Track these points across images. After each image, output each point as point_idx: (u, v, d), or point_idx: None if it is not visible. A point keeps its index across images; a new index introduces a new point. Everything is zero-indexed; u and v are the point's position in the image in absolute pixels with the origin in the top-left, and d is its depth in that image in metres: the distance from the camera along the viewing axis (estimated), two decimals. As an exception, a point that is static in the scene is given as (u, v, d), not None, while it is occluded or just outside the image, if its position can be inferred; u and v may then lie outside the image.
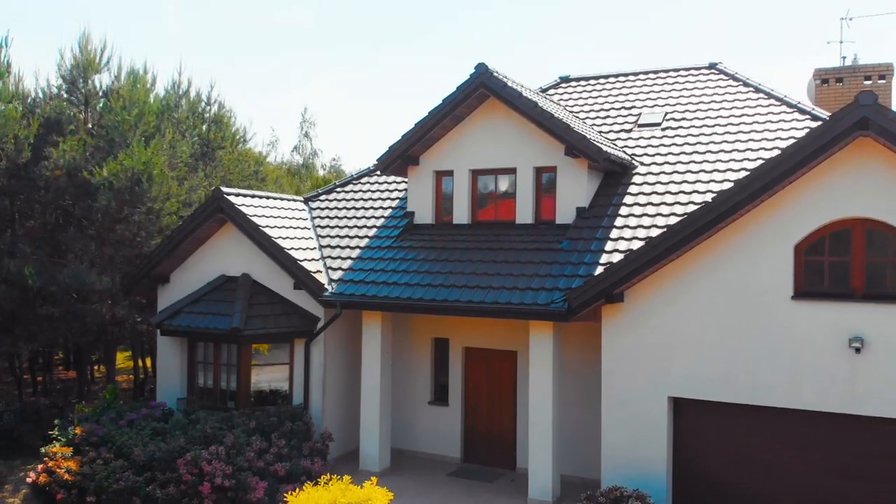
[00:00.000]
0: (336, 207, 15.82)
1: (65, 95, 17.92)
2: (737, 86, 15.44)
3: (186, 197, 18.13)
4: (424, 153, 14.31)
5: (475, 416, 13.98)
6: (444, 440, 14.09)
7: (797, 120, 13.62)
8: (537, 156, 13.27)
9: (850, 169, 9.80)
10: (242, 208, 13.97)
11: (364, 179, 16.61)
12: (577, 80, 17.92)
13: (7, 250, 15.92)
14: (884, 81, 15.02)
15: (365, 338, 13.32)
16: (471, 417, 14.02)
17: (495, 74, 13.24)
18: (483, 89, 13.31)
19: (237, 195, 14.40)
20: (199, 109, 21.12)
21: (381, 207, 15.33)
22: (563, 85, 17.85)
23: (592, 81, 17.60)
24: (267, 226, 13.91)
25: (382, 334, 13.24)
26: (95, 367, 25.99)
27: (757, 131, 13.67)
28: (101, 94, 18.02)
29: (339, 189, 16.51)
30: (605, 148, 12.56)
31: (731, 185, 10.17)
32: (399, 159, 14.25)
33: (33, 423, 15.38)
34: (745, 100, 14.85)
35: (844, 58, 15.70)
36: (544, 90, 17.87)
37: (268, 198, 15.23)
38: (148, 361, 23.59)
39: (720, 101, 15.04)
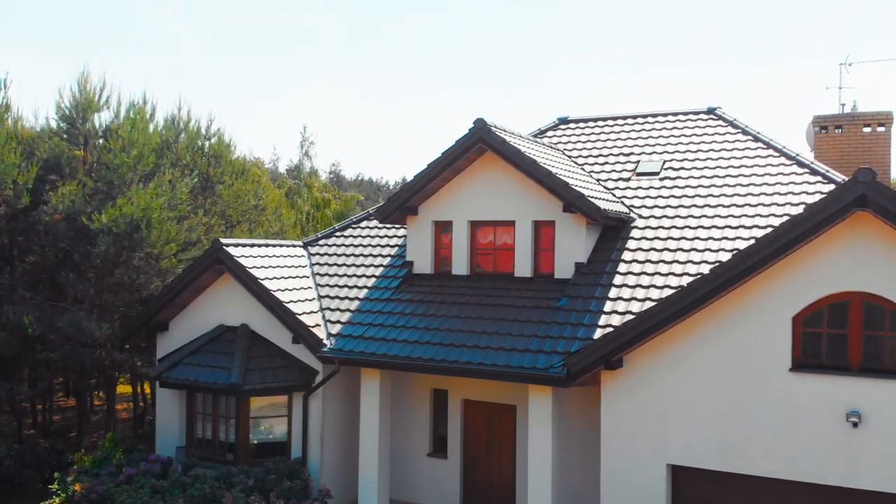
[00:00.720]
0: (335, 254, 15.83)
1: (64, 136, 17.92)
2: (735, 133, 15.45)
3: (186, 236, 18.14)
4: (423, 203, 14.33)
5: (474, 468, 13.98)
6: (442, 492, 14.08)
7: (796, 174, 13.62)
8: (536, 210, 13.28)
9: (849, 243, 9.81)
10: (241, 259, 13.98)
11: (364, 224, 16.62)
12: (576, 121, 17.93)
13: (6, 296, 15.93)
14: (883, 129, 15.02)
15: (363, 392, 13.32)
16: (470, 470, 14.02)
17: (494, 130, 13.26)
18: (482, 144, 13.34)
19: (236, 245, 14.40)
20: (199, 144, 21.12)
21: (381, 255, 15.33)
22: (562, 126, 17.87)
23: (591, 124, 17.62)
24: (266, 277, 13.92)
25: (381, 389, 13.24)
26: (95, 393, 26.03)
27: (755, 184, 13.67)
28: (100, 133, 18.04)
29: (338, 234, 16.52)
30: (603, 206, 12.56)
31: (730, 256, 10.19)
32: (398, 210, 14.28)
33: (33, 468, 15.44)
34: (743, 149, 14.86)
35: (844, 105, 15.71)
36: (542, 131, 17.89)
37: (266, 245, 15.24)
38: (147, 386, 23.60)
39: (718, 150, 15.05)
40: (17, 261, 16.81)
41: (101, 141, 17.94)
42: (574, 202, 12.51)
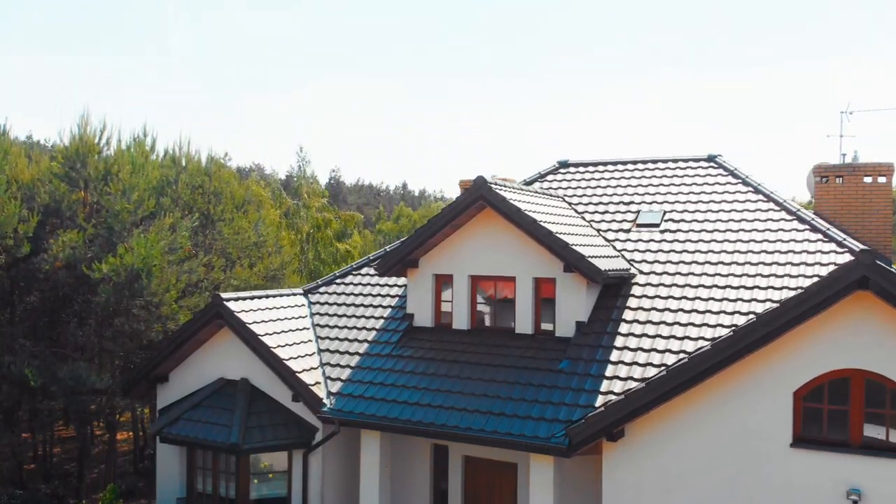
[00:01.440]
0: (336, 303, 15.80)
1: (64, 180, 17.92)
2: (736, 184, 15.44)
3: (187, 278, 18.14)
4: (424, 256, 14.32)
5: (475, 524, 13.94)
6: (443, 548, 14.05)
7: (797, 230, 13.62)
8: (536, 267, 13.26)
9: (851, 321, 9.80)
10: (241, 315, 13.97)
11: (364, 271, 16.61)
12: (576, 165, 17.93)
13: (7, 345, 15.93)
14: (884, 180, 15.01)
15: (363, 451, 13.30)
16: (470, 526, 13.98)
17: (493, 187, 13.25)
18: (482, 201, 13.33)
19: (236, 299, 14.39)
20: (199, 181, 21.12)
21: (381, 306, 15.31)
22: (562, 171, 17.86)
23: (591, 168, 17.61)
24: (266, 333, 13.90)
25: (381, 448, 13.23)
26: (96, 424, 26.02)
27: (756, 241, 13.66)
28: (100, 176, 18.04)
29: (338, 281, 16.50)
30: (603, 266, 12.55)
31: (731, 331, 10.17)
32: (399, 263, 14.28)
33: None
34: (744, 201, 14.86)
35: (844, 155, 15.70)
36: (542, 175, 17.90)
37: (266, 296, 15.22)
38: (147, 410, 23.55)
39: (719, 202, 15.04)
40: (17, 308, 16.80)
41: (101, 185, 17.93)
42: (575, 263, 12.50)
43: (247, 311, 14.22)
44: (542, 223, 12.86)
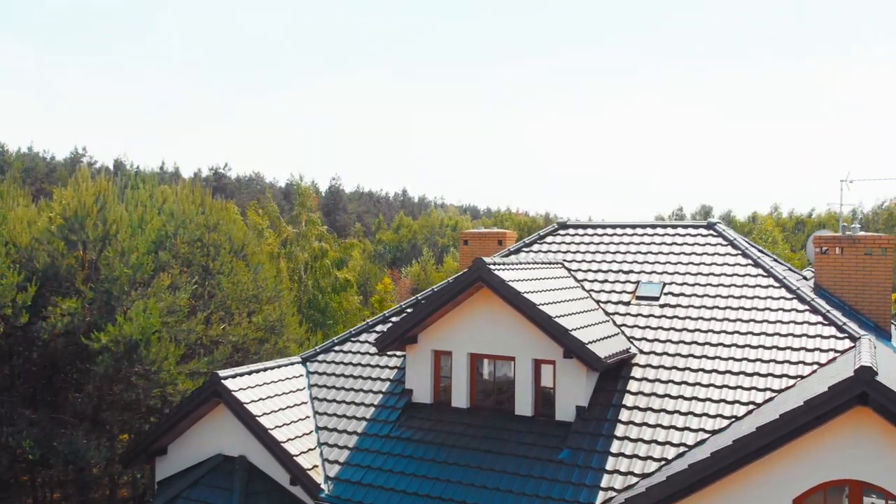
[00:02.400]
0: (334, 373, 15.74)
1: (62, 244, 17.86)
2: (735, 255, 15.42)
3: (185, 337, 18.10)
4: (423, 332, 14.29)
5: None
6: None
7: (797, 311, 13.59)
8: (536, 348, 13.23)
9: (850, 433, 9.76)
10: (238, 394, 13.92)
11: (363, 337, 16.56)
12: (575, 227, 17.92)
13: (6, 416, 15.88)
14: (884, 255, 14.98)
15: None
16: None
17: (492, 268, 13.22)
18: (481, 283, 13.30)
19: (234, 376, 14.35)
20: (198, 235, 21.07)
21: (380, 379, 15.25)
22: (561, 232, 17.84)
23: (590, 231, 17.59)
24: (263, 413, 13.85)
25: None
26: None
27: (756, 321, 13.64)
28: (99, 238, 17.99)
29: (336, 348, 16.45)
30: (603, 353, 12.52)
31: (731, 441, 10.13)
32: (397, 340, 14.25)
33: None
34: (744, 275, 14.83)
35: (845, 226, 15.66)
36: (542, 237, 17.89)
37: (265, 370, 15.18)
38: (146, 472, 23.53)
39: (718, 275, 15.01)
40: (16, 376, 16.75)
41: (100, 244, 17.90)
42: (575, 350, 12.46)
43: (244, 389, 14.18)
44: (541, 306, 12.83)
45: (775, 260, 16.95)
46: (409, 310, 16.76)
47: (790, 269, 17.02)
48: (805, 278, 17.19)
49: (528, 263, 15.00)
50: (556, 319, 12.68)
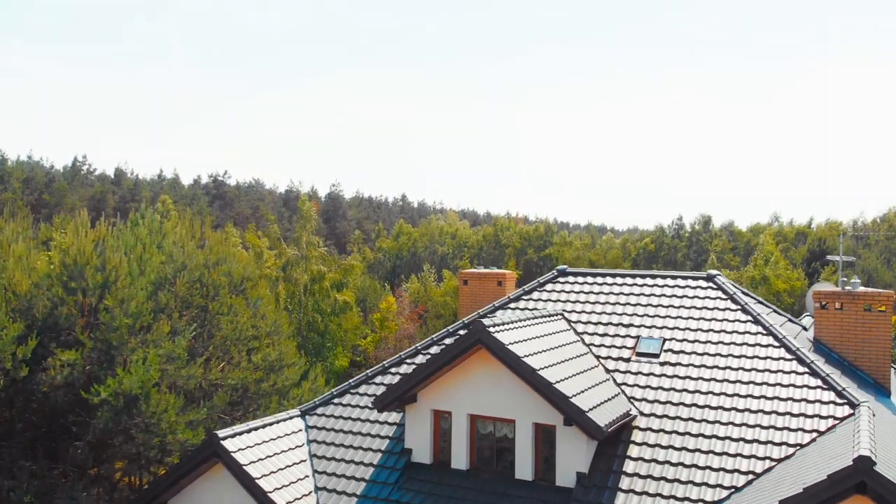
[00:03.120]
0: (333, 429, 15.70)
1: (62, 290, 17.86)
2: (736, 310, 15.41)
3: (184, 383, 18.09)
4: (423, 390, 14.28)
5: None
6: None
7: (796, 373, 13.60)
8: (536, 412, 13.22)
9: (850, 520, 9.76)
10: (237, 455, 13.88)
11: (362, 389, 16.54)
12: (574, 274, 17.93)
13: (6, 468, 15.86)
14: (884, 312, 14.99)
15: None
16: None
17: (491, 331, 13.22)
18: (481, 346, 13.30)
19: (233, 436, 14.32)
20: (197, 276, 21.06)
21: (379, 436, 15.22)
22: (561, 280, 17.85)
23: (590, 279, 17.60)
24: (262, 475, 13.82)
25: None
26: None
27: (755, 383, 13.66)
28: (98, 286, 17.98)
29: (335, 401, 16.43)
30: (603, 421, 12.50)
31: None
32: (396, 400, 14.25)
33: None
34: (743, 332, 14.83)
35: (844, 280, 15.66)
36: (542, 284, 17.89)
37: (264, 426, 15.16)
38: None
39: (718, 332, 15.01)
40: (16, 429, 16.73)
41: (100, 291, 17.89)
42: (575, 418, 12.45)
43: (243, 449, 14.14)
44: (541, 371, 12.83)
45: (775, 310, 16.97)
46: (407, 360, 16.78)
47: (790, 320, 17.06)
48: (804, 328, 17.21)
49: (529, 319, 14.99)
50: (557, 385, 12.67)
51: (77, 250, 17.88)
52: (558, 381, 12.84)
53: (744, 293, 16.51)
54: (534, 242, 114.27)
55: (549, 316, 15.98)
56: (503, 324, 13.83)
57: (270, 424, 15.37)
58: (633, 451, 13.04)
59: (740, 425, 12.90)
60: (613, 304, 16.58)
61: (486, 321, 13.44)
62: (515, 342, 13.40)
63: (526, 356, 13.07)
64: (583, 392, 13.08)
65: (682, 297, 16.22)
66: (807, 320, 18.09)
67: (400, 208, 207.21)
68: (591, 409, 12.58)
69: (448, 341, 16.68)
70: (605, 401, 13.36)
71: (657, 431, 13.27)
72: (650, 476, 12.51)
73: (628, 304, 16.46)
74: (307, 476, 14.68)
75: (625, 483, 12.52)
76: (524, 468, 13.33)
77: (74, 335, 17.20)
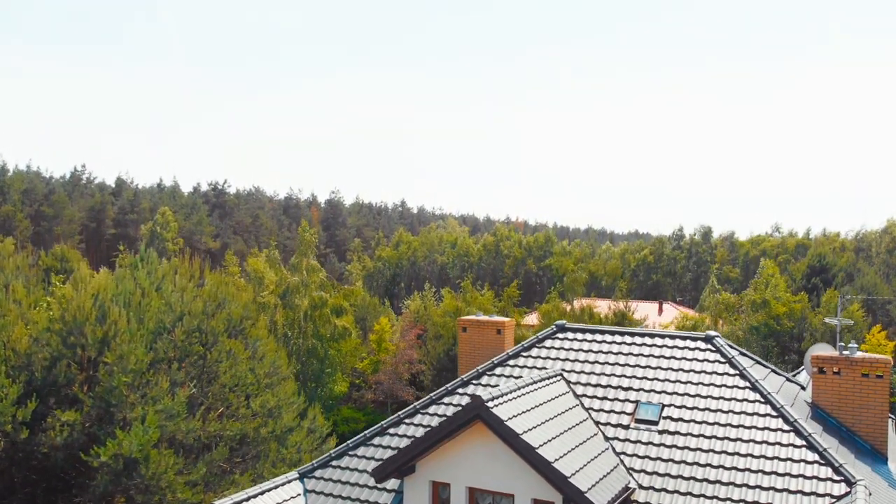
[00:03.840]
0: (332, 494, 15.73)
1: (61, 345, 17.88)
2: (734, 376, 15.43)
3: (183, 439, 18.10)
4: (422, 461, 14.30)
5: None
6: None
7: (794, 446, 13.61)
8: (535, 488, 13.21)
9: None
10: (237, 528, 13.93)
11: (360, 451, 16.55)
12: (573, 330, 17.95)
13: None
14: (881, 378, 15.01)
15: None
16: None
17: (490, 406, 13.23)
18: (480, 421, 13.32)
19: (232, 505, 14.36)
20: (196, 324, 21.08)
21: (377, 503, 15.25)
22: (560, 336, 17.88)
23: (589, 336, 17.62)
24: (263, 547, 13.86)
25: None
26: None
27: (754, 455, 13.67)
28: (97, 342, 18.01)
29: (334, 464, 16.43)
30: (602, 500, 12.52)
31: None
32: (395, 471, 14.27)
33: None
34: (742, 400, 14.84)
35: (842, 345, 15.69)
36: (541, 340, 17.92)
37: (262, 492, 15.18)
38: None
39: (717, 399, 15.03)
40: (15, 486, 16.76)
41: (100, 346, 17.92)
42: (574, 498, 12.47)
43: (242, 521, 14.18)
44: (539, 449, 12.83)
45: (773, 370, 17.00)
46: (406, 420, 16.80)
47: (788, 379, 17.09)
48: (802, 387, 17.24)
49: (528, 385, 14.99)
50: (555, 465, 12.69)
51: (77, 306, 17.90)
52: (557, 459, 12.85)
53: (741, 353, 16.53)
54: (534, 252, 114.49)
55: (549, 378, 16.00)
56: (502, 395, 13.84)
57: (269, 490, 15.39)
58: (632, 526, 13.06)
59: (738, 502, 12.92)
60: (613, 364, 16.60)
61: (484, 394, 13.43)
62: (514, 416, 13.40)
63: (525, 432, 13.08)
64: (582, 468, 13.09)
65: (680, 358, 16.24)
66: (803, 376, 18.13)
67: (399, 214, 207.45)
68: (590, 489, 12.60)
69: (447, 402, 16.73)
70: (605, 476, 13.38)
71: (656, 506, 13.30)
72: (649, 555, 12.53)
73: (627, 364, 16.48)
74: (306, 545, 14.69)
75: (623, 562, 12.54)
76: (523, 542, 13.34)
77: (73, 392, 17.21)
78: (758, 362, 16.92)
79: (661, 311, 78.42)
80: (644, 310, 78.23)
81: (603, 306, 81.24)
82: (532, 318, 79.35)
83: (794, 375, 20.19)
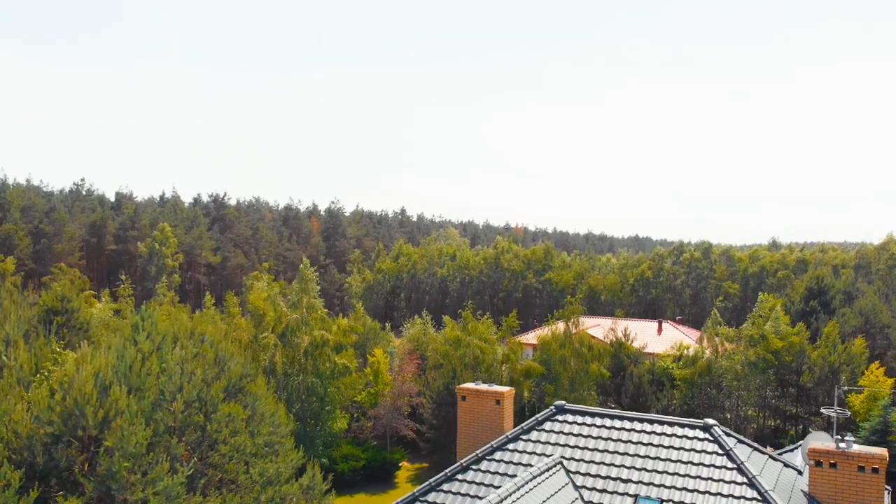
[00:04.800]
0: (333, 586, 15.86)
1: (62, 427, 17.94)
2: (732, 470, 15.51)
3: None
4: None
5: None
6: None
7: (791, 552, 13.71)
8: None
9: None
10: None
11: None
12: (573, 412, 18.04)
13: None
14: (877, 474, 15.10)
15: None
16: None
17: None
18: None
19: None
20: (195, 395, 21.15)
21: None
22: (559, 417, 17.96)
23: (588, 419, 17.70)
24: None
25: None
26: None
27: (751, 561, 13.77)
28: (98, 424, 18.07)
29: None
30: None
31: None
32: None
33: None
34: (739, 497, 14.93)
35: (839, 437, 15.79)
36: (540, 422, 18.00)
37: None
38: None
39: (714, 494, 15.11)
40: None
41: (101, 427, 17.99)
42: None
43: None
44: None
45: (771, 457, 17.09)
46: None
47: (786, 465, 17.18)
48: (799, 472, 17.34)
49: (529, 482, 15.05)
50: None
51: (78, 391, 17.96)
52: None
53: (740, 441, 16.62)
54: (533, 266, 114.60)
55: (549, 470, 16.08)
56: (502, 500, 13.92)
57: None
58: None
59: None
60: (612, 451, 16.67)
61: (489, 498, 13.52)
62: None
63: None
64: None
65: (679, 448, 16.31)
66: (799, 460, 18.21)
67: (399, 222, 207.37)
68: None
69: (446, 489, 16.77)
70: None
71: None
72: None
73: (626, 453, 16.54)
74: None
75: None
76: None
77: (73, 476, 17.27)
78: (755, 449, 17.01)
79: (660, 330, 78.58)
80: (643, 331, 78.50)
81: (604, 324, 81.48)
82: (531, 337, 79.63)
83: (792, 449, 20.34)
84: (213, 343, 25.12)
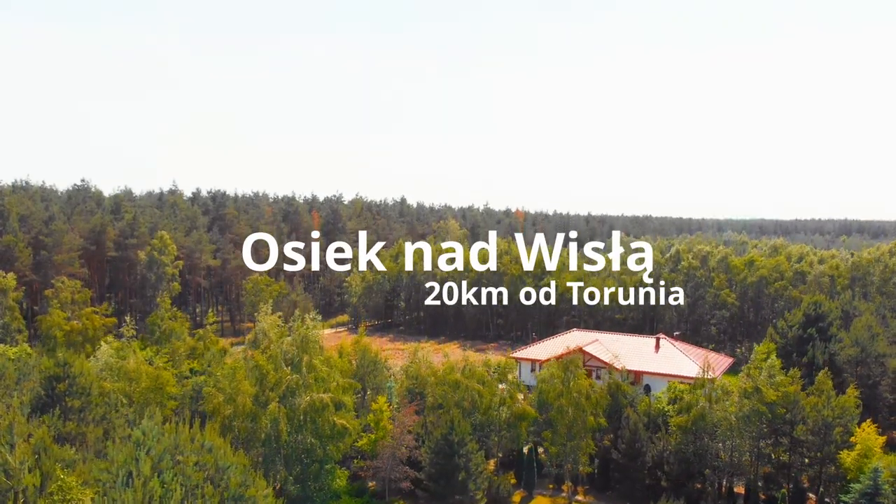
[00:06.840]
0: None
1: None
2: None
3: None
4: None
5: None
6: None
7: None
8: None
9: None
10: None
11: None
12: None
13: None
14: None
15: None
16: None
17: None
18: None
19: None
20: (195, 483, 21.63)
21: None
22: None
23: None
24: None
25: None
26: None
27: None
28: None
29: None
30: None
31: None
32: None
33: None
34: None
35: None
36: None
37: None
38: None
39: None
40: None
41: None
42: None
43: None
44: None
45: None
46: None
47: None
48: None
49: None
50: None
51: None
52: None
53: None
54: (532, 272, 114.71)
55: None
56: None
57: None
58: None
59: None
60: None
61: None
62: None
63: None
64: None
65: None
66: None
67: (399, 212, 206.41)
68: None
69: None
70: None
71: None
72: None
73: None
74: None
75: None
76: None
77: None
78: None
79: (657, 348, 79.09)
80: (640, 349, 79.09)
81: (602, 339, 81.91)
82: (530, 352, 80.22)
83: None
84: (212, 448, 25.60)
